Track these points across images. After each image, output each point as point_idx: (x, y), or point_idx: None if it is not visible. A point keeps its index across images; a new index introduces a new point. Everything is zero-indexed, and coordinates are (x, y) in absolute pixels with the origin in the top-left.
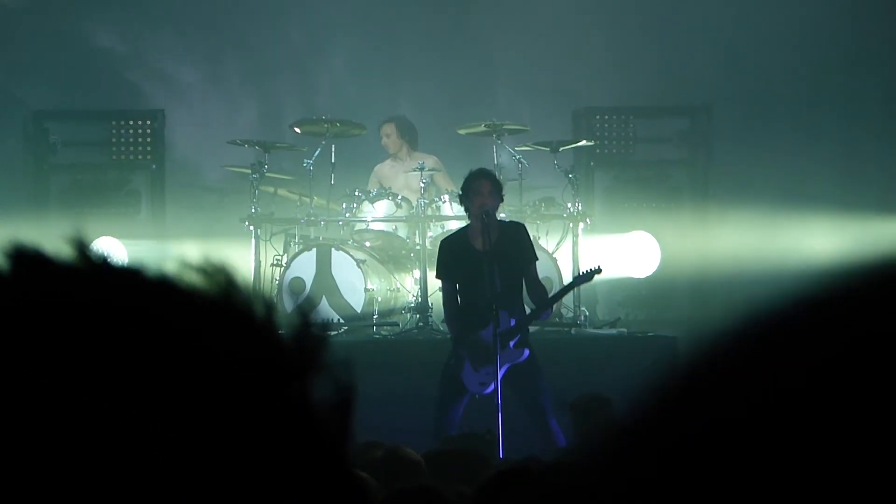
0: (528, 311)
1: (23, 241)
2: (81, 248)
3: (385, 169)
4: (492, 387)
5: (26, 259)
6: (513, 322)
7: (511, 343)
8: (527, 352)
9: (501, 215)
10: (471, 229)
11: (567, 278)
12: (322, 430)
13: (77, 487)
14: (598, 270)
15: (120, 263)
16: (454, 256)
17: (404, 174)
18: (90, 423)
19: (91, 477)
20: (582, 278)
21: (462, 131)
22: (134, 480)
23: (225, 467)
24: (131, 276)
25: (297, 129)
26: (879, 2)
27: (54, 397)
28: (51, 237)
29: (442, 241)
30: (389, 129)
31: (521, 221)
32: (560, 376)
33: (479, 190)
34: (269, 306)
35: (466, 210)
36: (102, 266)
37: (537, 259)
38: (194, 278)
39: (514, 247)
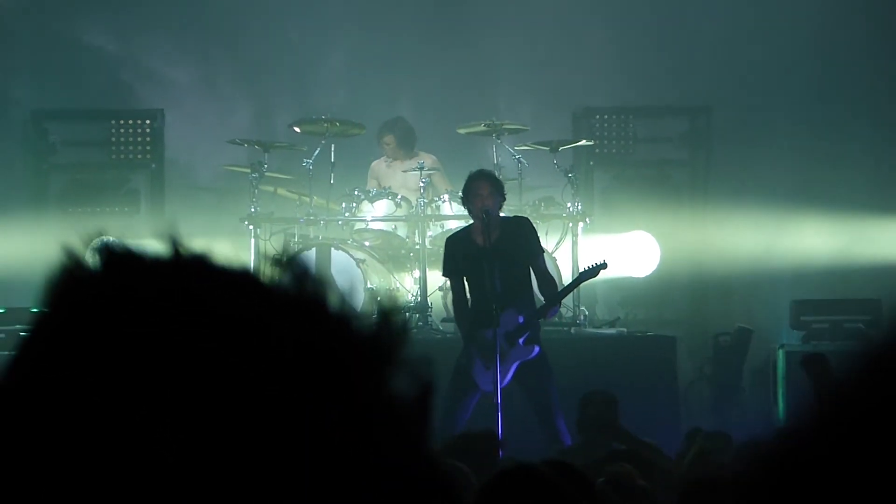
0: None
1: (111, 238)
2: (172, 242)
3: (382, 166)
4: (503, 384)
5: (115, 257)
6: (521, 319)
7: (520, 340)
8: (537, 349)
9: (502, 213)
10: (474, 227)
11: (567, 278)
12: (401, 423)
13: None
14: (604, 265)
15: (201, 256)
16: (459, 254)
17: (402, 173)
18: (173, 414)
19: (181, 457)
20: (587, 273)
21: (462, 131)
22: (224, 456)
23: (304, 454)
24: (210, 271)
25: (297, 129)
26: (876, 5)
27: (138, 386)
28: (50, 236)
29: (447, 239)
30: (389, 139)
31: (524, 216)
32: (560, 376)
33: (479, 192)
34: (345, 299)
35: (470, 212)
36: (183, 261)
37: (543, 252)
38: (270, 270)
39: (517, 242)
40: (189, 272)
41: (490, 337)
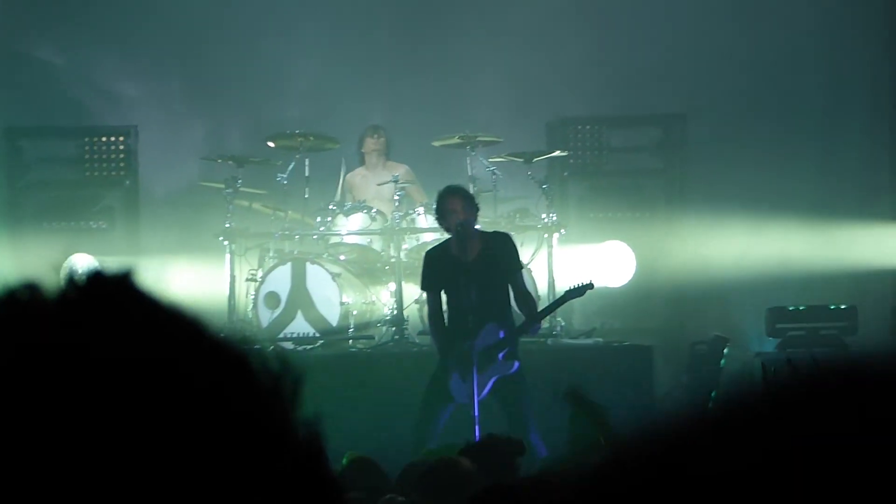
0: (517, 323)
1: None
2: (65, 277)
3: (357, 178)
4: (480, 397)
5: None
6: (501, 334)
7: (500, 355)
8: (516, 364)
9: (477, 226)
10: (453, 241)
11: (543, 289)
12: (303, 460)
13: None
14: (590, 286)
15: (103, 287)
16: (438, 268)
17: (376, 186)
18: (76, 450)
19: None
20: (573, 293)
21: (436, 143)
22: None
23: (204, 493)
24: (111, 307)
25: (271, 144)
26: (854, 11)
27: (32, 430)
28: (25, 254)
29: (426, 253)
30: (378, 139)
31: (505, 232)
32: (536, 386)
33: (452, 208)
34: (245, 347)
35: (445, 229)
36: (85, 295)
37: (522, 268)
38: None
39: (497, 257)
40: (82, 311)
41: (475, 347)
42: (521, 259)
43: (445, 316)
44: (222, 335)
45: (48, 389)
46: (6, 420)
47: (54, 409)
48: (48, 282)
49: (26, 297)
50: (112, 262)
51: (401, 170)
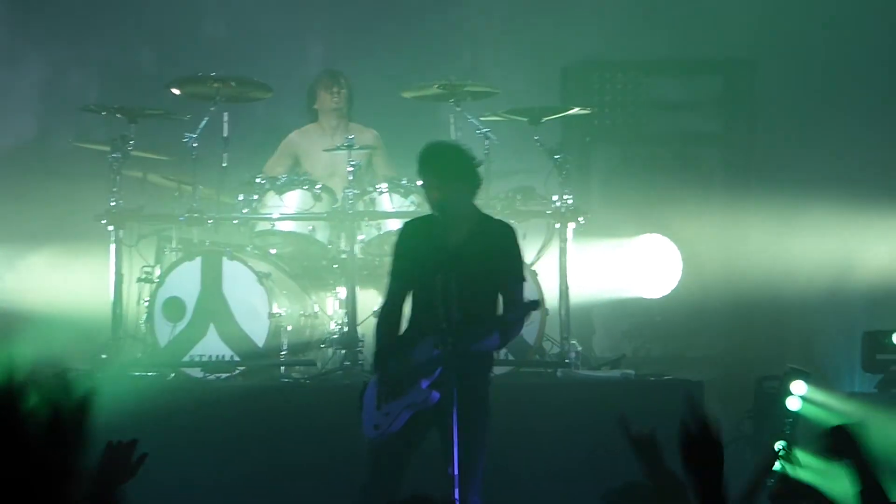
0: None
1: None
2: None
3: (308, 137)
4: (387, 428)
5: None
6: (436, 352)
7: (424, 381)
8: (436, 395)
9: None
10: (438, 218)
11: (552, 300)
12: None
13: None
14: (534, 305)
15: None
16: (413, 248)
17: (328, 154)
18: None
19: None
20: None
21: (407, 94)
22: None
23: None
24: None
25: (176, 91)
26: None
27: None
28: None
29: (406, 223)
30: (344, 84)
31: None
32: (543, 434)
33: (429, 182)
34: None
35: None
36: None
37: (523, 280)
38: None
39: (492, 254)
40: None
41: (416, 358)
42: (522, 267)
43: (409, 322)
44: None
45: None
46: None
47: None
48: None
49: None
50: None
51: (367, 136)
